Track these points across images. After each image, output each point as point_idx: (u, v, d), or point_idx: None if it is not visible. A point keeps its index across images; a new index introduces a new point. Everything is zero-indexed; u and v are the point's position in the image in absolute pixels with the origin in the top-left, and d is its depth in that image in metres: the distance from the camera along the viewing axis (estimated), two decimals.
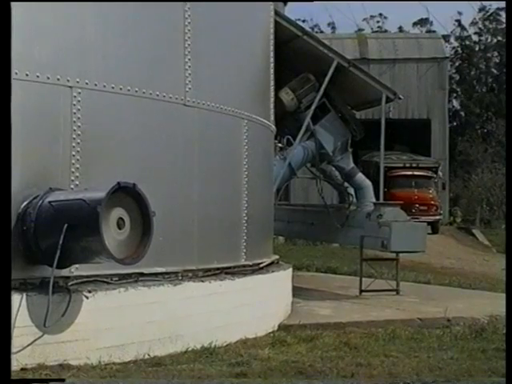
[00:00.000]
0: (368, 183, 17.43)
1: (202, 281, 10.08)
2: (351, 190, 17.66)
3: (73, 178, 8.71)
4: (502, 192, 54.54)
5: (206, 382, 7.66)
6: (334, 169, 17.66)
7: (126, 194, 8.15)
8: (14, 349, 7.82)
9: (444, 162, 50.36)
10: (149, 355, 8.93)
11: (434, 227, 39.37)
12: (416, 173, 43.01)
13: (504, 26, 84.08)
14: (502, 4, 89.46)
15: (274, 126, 13.19)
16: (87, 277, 8.75)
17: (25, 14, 8.48)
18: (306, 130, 16.10)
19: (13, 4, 7.44)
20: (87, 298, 8.52)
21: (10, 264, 5.62)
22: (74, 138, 8.75)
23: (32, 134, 8.54)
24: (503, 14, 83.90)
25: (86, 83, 8.89)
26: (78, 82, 8.82)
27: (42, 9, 8.63)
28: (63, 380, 5.04)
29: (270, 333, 10.99)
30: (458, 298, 15.18)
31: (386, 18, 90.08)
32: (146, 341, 8.99)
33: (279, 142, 15.93)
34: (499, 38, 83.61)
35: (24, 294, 8.02)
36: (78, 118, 8.80)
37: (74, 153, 8.73)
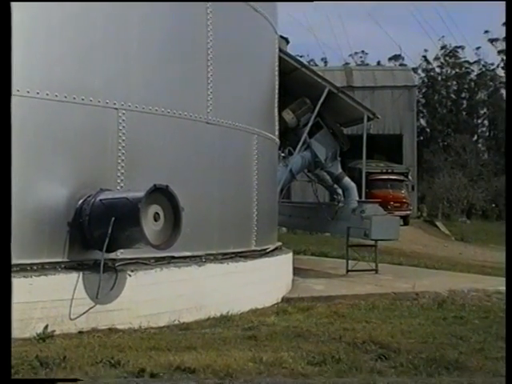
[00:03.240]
0: (353, 185, 17.37)
1: (221, 262, 10.08)
2: (339, 191, 17.64)
3: (118, 180, 8.74)
4: (459, 192, 54.51)
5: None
6: (325, 173, 17.61)
7: (161, 194, 8.16)
8: (72, 316, 7.87)
9: (413, 169, 50.32)
10: (179, 321, 8.93)
11: (405, 220, 39.21)
12: (391, 177, 42.98)
13: (461, 60, 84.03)
14: (460, 42, 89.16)
15: (278, 140, 13.17)
16: (130, 259, 8.77)
17: (80, 51, 8.53)
18: (304, 143, 16.09)
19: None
20: (130, 276, 8.55)
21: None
22: (120, 149, 8.77)
23: (87, 146, 8.56)
24: (460, 51, 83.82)
25: (129, 106, 8.91)
26: (122, 104, 8.83)
27: (93, 45, 8.66)
28: (70, 380, 4.88)
29: (274, 304, 10.97)
30: (424, 276, 15.13)
31: (367, 54, 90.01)
32: (177, 310, 9.00)
33: (282, 152, 15.92)
34: (457, 70, 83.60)
35: (81, 273, 8.05)
36: (123, 134, 8.82)
37: (119, 161, 8.75)
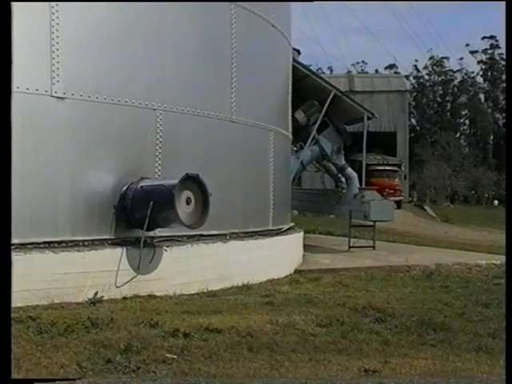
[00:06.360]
0: (354, 174, 17.27)
1: (243, 240, 10.05)
2: (343, 179, 17.56)
3: (156, 170, 8.71)
4: (444, 181, 54.33)
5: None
6: (331, 165, 17.53)
7: (192, 181, 8.15)
8: (118, 284, 7.89)
9: (405, 161, 50.28)
10: (207, 289, 8.91)
11: (398, 204, 38.98)
12: (386, 168, 42.94)
13: (446, 68, 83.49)
14: (445, 53, 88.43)
15: (291, 136, 13.09)
16: (166, 237, 8.76)
17: (125, 61, 8.50)
18: (313, 139, 16.00)
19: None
20: (166, 251, 8.54)
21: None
22: (157, 144, 8.74)
23: (130, 141, 8.55)
24: (445, 61, 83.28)
25: (165, 107, 8.87)
26: (159, 106, 8.80)
27: (135, 56, 8.62)
28: (72, 380, 4.79)
29: (288, 275, 10.94)
30: (415, 251, 15.06)
31: (366, 63, 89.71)
32: (205, 280, 8.98)
33: (295, 147, 15.86)
34: (442, 77, 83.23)
35: (124, 248, 8.06)
36: (160, 130, 8.79)
37: (157, 153, 8.73)
